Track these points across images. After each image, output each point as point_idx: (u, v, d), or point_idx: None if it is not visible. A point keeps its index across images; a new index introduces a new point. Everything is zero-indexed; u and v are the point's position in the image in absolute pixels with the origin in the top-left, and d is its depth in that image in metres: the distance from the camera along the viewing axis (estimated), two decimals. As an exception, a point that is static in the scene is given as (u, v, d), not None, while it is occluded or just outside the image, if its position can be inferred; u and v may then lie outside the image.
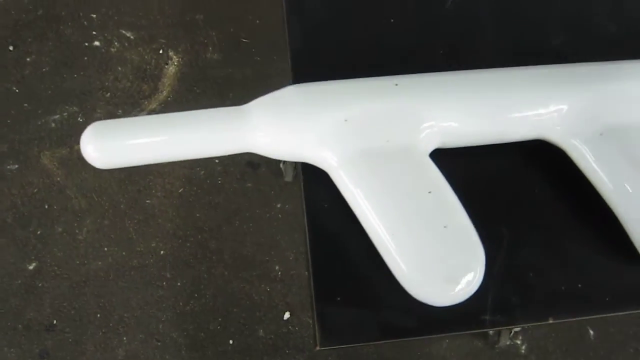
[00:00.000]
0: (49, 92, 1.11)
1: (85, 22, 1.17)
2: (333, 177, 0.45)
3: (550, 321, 0.47)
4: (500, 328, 0.49)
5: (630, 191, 0.46)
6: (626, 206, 0.47)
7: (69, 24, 1.17)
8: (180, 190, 1.07)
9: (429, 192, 0.43)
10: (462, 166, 0.51)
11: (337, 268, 0.47)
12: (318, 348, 0.45)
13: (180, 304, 1.00)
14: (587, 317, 0.47)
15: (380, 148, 0.45)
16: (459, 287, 0.42)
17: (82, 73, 1.13)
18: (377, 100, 0.46)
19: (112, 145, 0.43)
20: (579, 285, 0.48)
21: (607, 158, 0.47)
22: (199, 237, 1.04)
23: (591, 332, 1.04)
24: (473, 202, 0.49)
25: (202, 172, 1.07)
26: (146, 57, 1.15)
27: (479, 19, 0.58)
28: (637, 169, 0.46)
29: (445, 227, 0.43)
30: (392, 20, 0.56)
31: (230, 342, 0.99)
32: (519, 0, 0.60)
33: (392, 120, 0.45)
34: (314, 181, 0.48)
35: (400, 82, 0.47)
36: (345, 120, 0.45)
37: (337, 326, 0.46)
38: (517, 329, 1.03)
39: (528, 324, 0.49)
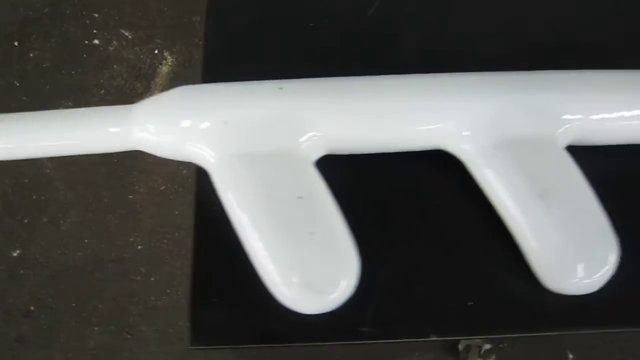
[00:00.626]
0: (48, 87, 1.16)
1: (87, 21, 1.22)
2: (211, 178, 0.46)
3: (433, 338, 0.46)
4: (380, 341, 0.47)
5: (521, 206, 0.44)
6: (517, 221, 0.45)
7: (72, 22, 1.21)
8: (162, 188, 1.09)
9: (299, 198, 0.43)
10: (360, 174, 0.50)
11: (218, 269, 0.47)
12: (189, 347, 0.45)
13: (152, 298, 1.02)
14: (473, 337, 0.46)
15: (258, 151, 0.44)
16: (323, 295, 0.42)
17: (80, 70, 1.18)
18: (257, 103, 0.46)
19: None
20: (469, 303, 0.47)
21: (501, 171, 0.45)
22: (176, 234, 1.06)
23: (570, 355, 1.00)
24: (366, 212, 0.49)
25: (185, 171, 1.09)
26: (142, 56, 1.19)
27: (402, 26, 0.57)
28: (531, 182, 0.45)
29: (311, 233, 0.42)
30: (311, 24, 0.56)
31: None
32: (446, 8, 0.58)
33: (271, 124, 0.45)
34: (207, 181, 0.49)
35: (286, 86, 0.46)
36: (225, 122, 0.45)
37: (211, 327, 0.46)
38: (487, 347, 1.01)
39: (408, 339, 0.47)
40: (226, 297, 0.47)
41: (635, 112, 0.48)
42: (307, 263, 0.42)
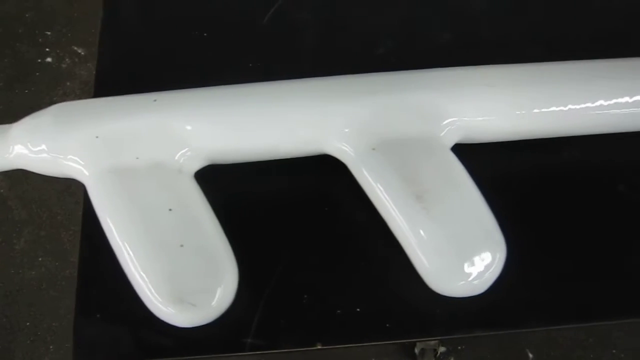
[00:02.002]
0: (1, 107, 1.17)
1: (40, 39, 1.22)
2: (88, 193, 0.45)
3: (319, 347, 0.45)
4: (264, 352, 0.47)
5: (399, 208, 0.44)
6: (397, 223, 0.44)
7: (25, 40, 1.22)
8: (115, 203, 1.09)
9: (170, 210, 0.42)
10: (246, 182, 0.50)
11: (101, 284, 0.46)
12: (74, 365, 0.44)
13: (105, 314, 1.02)
14: (361, 344, 0.45)
15: (129, 165, 0.44)
16: (193, 308, 0.41)
17: (32, 88, 1.18)
18: (129, 116, 0.45)
19: None
20: (357, 310, 0.46)
21: (378, 173, 0.44)
22: (130, 249, 1.06)
23: (530, 355, 0.99)
24: (255, 221, 0.49)
25: (137, 185, 1.09)
26: (94, 72, 1.19)
27: (298, 32, 0.56)
28: (408, 184, 0.44)
29: (181, 246, 0.41)
30: (205, 35, 0.56)
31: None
32: (344, 12, 0.58)
33: (143, 137, 0.44)
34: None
35: (160, 98, 0.46)
36: (97, 137, 0.44)
37: (94, 343, 0.45)
38: (443, 350, 0.99)
39: (293, 349, 0.47)
40: (109, 312, 0.46)
41: (520, 109, 0.48)
42: (176, 276, 0.41)
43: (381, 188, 0.44)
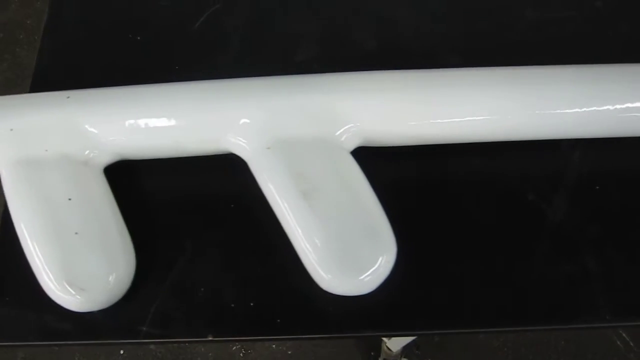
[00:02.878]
0: (-3, 108, 1.22)
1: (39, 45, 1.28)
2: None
3: (210, 338, 0.46)
4: (157, 340, 0.48)
5: (286, 205, 0.45)
6: (287, 221, 0.45)
7: (25, 46, 1.27)
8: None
9: (69, 200, 0.44)
10: (159, 178, 0.52)
11: (16, 269, 0.48)
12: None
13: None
14: (250, 338, 0.46)
15: (38, 156, 0.46)
16: (85, 293, 0.43)
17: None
18: (42, 111, 0.48)
19: None
20: (251, 304, 0.47)
21: (270, 171, 0.46)
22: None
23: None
24: (162, 216, 0.51)
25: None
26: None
27: (225, 38, 0.58)
28: (296, 182, 0.45)
29: (76, 233, 0.43)
30: (138, 38, 0.59)
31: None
32: (271, 18, 0.60)
33: (53, 131, 0.47)
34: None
35: (74, 95, 0.48)
36: (11, 130, 0.47)
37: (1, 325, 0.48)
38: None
39: (185, 339, 0.48)
40: (18, 296, 0.48)
41: (420, 114, 0.49)
42: (68, 261, 0.43)
43: (271, 185, 0.46)
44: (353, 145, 0.49)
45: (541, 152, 0.53)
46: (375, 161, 0.50)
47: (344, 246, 0.44)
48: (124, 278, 0.45)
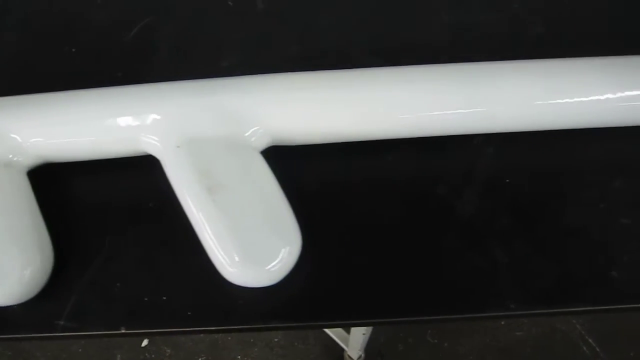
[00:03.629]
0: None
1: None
2: None
3: (123, 330, 0.48)
4: (74, 334, 0.50)
5: (191, 200, 0.47)
6: (192, 215, 0.47)
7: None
8: None
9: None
10: (82, 179, 0.54)
11: None
12: None
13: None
14: (161, 330, 0.47)
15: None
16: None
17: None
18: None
19: None
20: (164, 298, 0.49)
21: (178, 168, 0.48)
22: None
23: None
24: (84, 214, 0.52)
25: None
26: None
27: (157, 47, 0.61)
28: (203, 179, 0.47)
29: (-4, 230, 0.46)
30: (73, 50, 0.61)
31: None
32: (199, 27, 0.62)
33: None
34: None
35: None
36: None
37: None
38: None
39: (99, 332, 0.49)
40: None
41: (328, 116, 0.50)
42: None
43: (178, 181, 0.48)
44: (263, 145, 0.51)
45: (454, 148, 0.54)
46: (290, 159, 0.52)
47: (247, 239, 0.46)
48: (39, 272, 0.46)
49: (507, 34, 0.61)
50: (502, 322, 1.04)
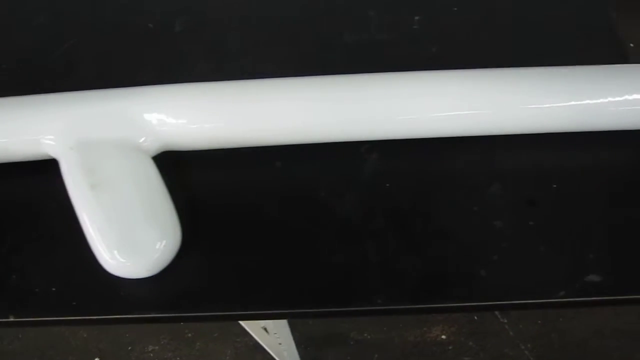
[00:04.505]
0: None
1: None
2: None
3: (11, 319, 0.51)
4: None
5: (75, 196, 0.50)
6: (80, 213, 0.50)
7: None
8: None
9: None
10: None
11: None
12: None
13: (4, 342, 1.09)
14: (48, 319, 0.50)
15: None
16: None
17: None
18: None
19: None
20: (53, 289, 0.51)
21: (69, 168, 0.52)
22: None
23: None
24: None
25: None
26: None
27: (79, 65, 0.66)
28: (88, 176, 0.50)
29: None
30: (3, 66, 0.66)
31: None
32: (122, 46, 0.67)
33: None
34: None
35: None
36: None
37: None
38: None
39: (-10, 319, 0.53)
40: None
41: (216, 123, 0.54)
42: None
43: (67, 179, 0.51)
44: (154, 150, 0.55)
45: (341, 154, 0.57)
46: (183, 163, 0.56)
47: (125, 232, 0.49)
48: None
49: (405, 52, 0.65)
50: (450, 347, 1.04)
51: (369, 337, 1.06)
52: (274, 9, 0.70)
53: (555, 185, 0.56)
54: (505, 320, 1.11)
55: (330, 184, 0.56)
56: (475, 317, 1.09)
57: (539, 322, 1.09)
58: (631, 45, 0.69)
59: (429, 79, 0.56)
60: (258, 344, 0.91)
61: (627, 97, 0.55)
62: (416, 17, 0.67)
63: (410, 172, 0.57)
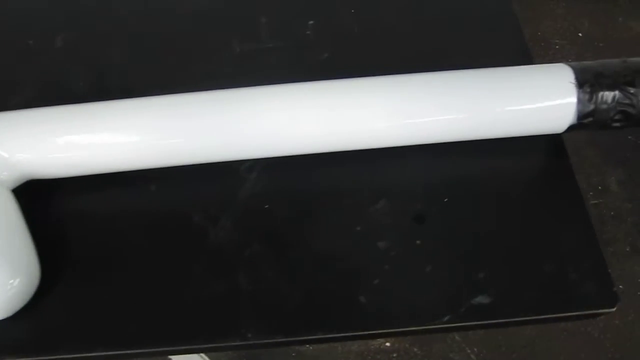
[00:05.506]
0: None
1: None
2: None
3: None
4: None
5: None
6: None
7: None
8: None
9: None
10: None
11: None
12: None
13: None
14: None
15: None
16: None
17: None
18: None
19: None
20: None
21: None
22: None
23: None
24: None
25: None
26: None
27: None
28: None
29: None
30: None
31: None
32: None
33: None
34: None
35: None
36: None
37: None
38: None
39: None
40: None
41: (75, 148, 0.50)
42: None
43: None
44: (13, 180, 0.51)
45: (220, 175, 0.54)
46: (50, 192, 0.53)
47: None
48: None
49: (295, 59, 0.61)
50: (394, 355, 1.01)
51: (311, 347, 1.04)
52: (158, 20, 0.66)
53: (446, 199, 0.53)
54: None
55: (205, 208, 0.52)
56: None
57: (489, 323, 1.06)
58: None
59: (305, 91, 0.52)
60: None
61: (521, 104, 0.52)
62: (310, 22, 0.63)
63: (291, 192, 0.53)
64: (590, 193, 1.24)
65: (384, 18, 0.65)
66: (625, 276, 1.16)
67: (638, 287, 1.16)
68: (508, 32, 0.64)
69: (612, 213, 1.22)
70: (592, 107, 0.52)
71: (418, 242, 0.50)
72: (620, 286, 1.17)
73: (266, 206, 0.52)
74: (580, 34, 1.39)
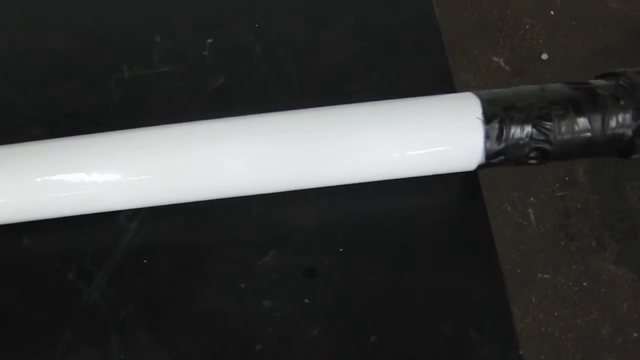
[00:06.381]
0: None
1: None
2: None
3: None
4: None
5: None
6: None
7: None
8: None
9: None
10: None
11: None
12: None
13: None
14: None
15: None
16: None
17: None
18: None
19: None
20: None
21: None
22: None
23: None
24: None
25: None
26: None
27: None
28: None
29: None
30: None
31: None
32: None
33: None
34: None
35: None
36: None
37: None
38: None
39: None
40: None
41: None
42: None
43: None
44: None
45: (97, 226, 0.49)
46: None
47: None
48: None
49: (187, 86, 0.56)
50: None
51: None
52: (42, 41, 0.59)
53: (341, 249, 0.48)
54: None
55: (81, 263, 0.48)
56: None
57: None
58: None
59: (182, 131, 0.47)
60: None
61: (420, 147, 0.47)
62: (209, 40, 0.58)
63: (173, 243, 0.49)
64: (557, 185, 1.19)
65: (289, 34, 0.59)
66: (589, 272, 1.12)
67: (602, 284, 1.12)
68: (429, 47, 0.58)
69: (578, 205, 1.17)
70: (502, 145, 0.47)
71: (306, 300, 0.46)
72: (585, 283, 1.13)
73: (145, 261, 0.48)
74: (552, 12, 1.31)
